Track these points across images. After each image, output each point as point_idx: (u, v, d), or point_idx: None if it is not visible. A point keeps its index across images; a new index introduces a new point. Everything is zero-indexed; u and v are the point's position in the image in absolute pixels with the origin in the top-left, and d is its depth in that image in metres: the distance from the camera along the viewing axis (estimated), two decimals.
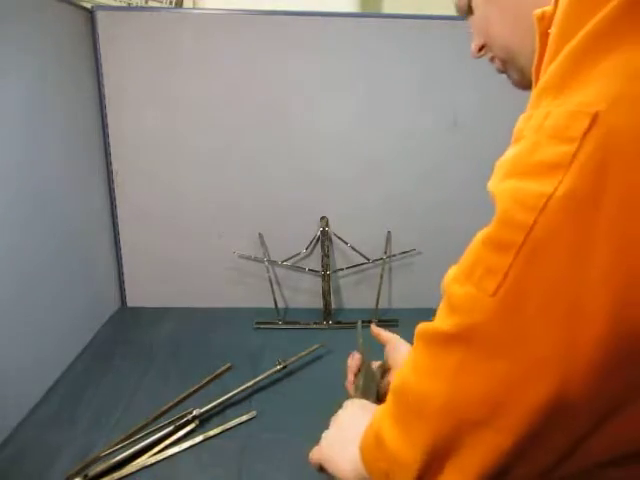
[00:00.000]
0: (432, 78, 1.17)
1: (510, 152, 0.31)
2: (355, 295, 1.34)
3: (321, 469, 0.51)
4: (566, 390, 0.26)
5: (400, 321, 1.21)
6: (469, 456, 0.30)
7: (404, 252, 1.29)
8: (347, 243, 1.27)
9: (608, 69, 0.26)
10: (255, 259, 1.28)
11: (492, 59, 0.50)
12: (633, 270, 0.25)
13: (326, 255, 1.25)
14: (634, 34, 0.26)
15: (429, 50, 1.14)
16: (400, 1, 1.30)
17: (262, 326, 1.22)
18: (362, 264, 1.28)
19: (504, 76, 0.50)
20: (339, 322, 1.25)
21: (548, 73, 0.30)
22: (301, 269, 1.29)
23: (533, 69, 0.36)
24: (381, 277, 1.27)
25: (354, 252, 1.27)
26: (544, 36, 0.33)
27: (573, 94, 0.27)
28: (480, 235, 0.30)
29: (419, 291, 1.27)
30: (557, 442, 0.29)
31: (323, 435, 0.52)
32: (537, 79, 0.35)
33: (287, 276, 1.32)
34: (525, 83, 0.44)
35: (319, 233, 1.26)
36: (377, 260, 1.28)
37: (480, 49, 0.49)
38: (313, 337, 1.11)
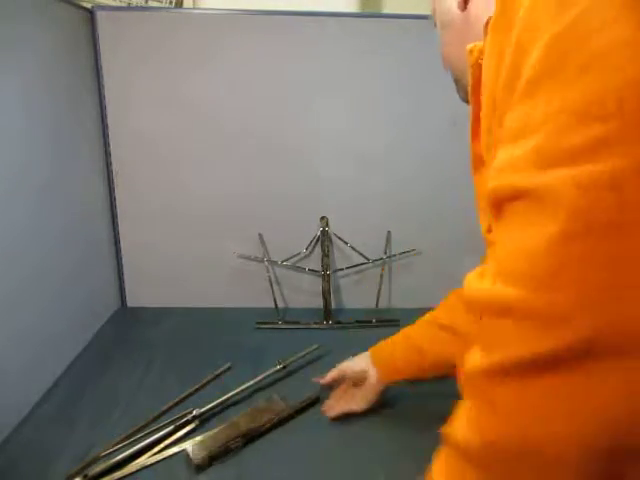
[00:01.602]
0: (432, 78, 1.16)
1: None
2: (355, 295, 1.34)
3: None
4: None
5: (400, 321, 1.21)
6: None
7: (404, 252, 1.29)
8: (347, 243, 1.27)
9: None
10: (255, 259, 1.28)
11: None
12: None
13: (326, 255, 1.25)
14: None
15: (429, 50, 1.14)
16: (400, 1, 1.30)
17: (262, 326, 1.22)
18: (362, 264, 1.28)
19: None
20: (339, 322, 1.25)
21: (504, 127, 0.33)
22: (301, 269, 1.29)
23: (469, 97, 0.43)
24: (381, 277, 1.27)
25: (354, 252, 1.27)
26: (475, 67, 0.40)
27: None
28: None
29: (419, 291, 1.27)
30: None
31: None
32: (474, 106, 0.42)
33: (287, 276, 1.32)
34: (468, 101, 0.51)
35: (319, 233, 1.26)
36: (377, 260, 1.28)
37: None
38: (313, 337, 1.11)
